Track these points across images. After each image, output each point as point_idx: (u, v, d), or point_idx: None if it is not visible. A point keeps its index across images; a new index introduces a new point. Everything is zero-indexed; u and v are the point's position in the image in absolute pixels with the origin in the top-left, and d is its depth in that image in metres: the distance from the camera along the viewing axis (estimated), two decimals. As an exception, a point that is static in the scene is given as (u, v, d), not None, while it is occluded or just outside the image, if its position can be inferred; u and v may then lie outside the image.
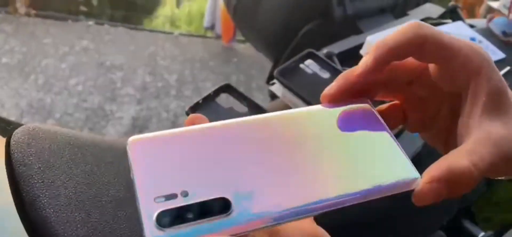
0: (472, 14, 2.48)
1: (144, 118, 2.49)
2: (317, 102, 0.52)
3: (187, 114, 0.55)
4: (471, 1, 2.46)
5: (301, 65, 0.58)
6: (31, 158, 0.33)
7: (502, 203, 0.70)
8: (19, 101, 2.53)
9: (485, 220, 0.68)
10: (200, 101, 0.55)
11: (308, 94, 0.53)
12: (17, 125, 0.40)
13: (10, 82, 2.70)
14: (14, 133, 0.34)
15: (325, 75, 0.58)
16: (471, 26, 0.79)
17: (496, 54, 0.72)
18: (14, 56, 3.01)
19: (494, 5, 0.78)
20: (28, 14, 3.62)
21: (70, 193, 0.34)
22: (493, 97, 0.24)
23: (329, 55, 0.75)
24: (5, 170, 0.34)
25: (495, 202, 0.67)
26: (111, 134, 2.35)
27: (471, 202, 0.63)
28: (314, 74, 0.57)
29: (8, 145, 0.33)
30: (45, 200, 0.31)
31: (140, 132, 2.36)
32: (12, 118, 2.38)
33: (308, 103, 0.52)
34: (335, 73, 0.58)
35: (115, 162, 0.40)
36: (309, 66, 0.59)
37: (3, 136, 0.46)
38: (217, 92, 0.58)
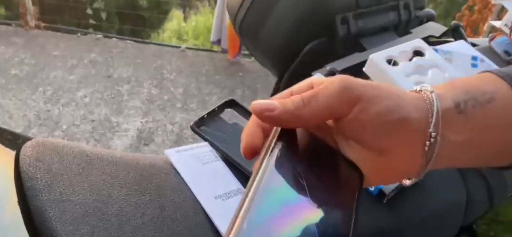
0: (476, 32, 2.49)
1: (149, 130, 2.50)
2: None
3: (192, 128, 0.56)
4: (475, 19, 2.47)
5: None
6: (39, 172, 0.34)
7: (506, 222, 0.70)
8: (27, 112, 2.56)
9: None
10: (205, 116, 0.56)
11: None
12: (26, 138, 0.41)
13: (19, 93, 2.74)
14: (23, 147, 0.35)
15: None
16: (473, 45, 0.79)
17: (498, 73, 0.72)
18: (23, 68, 3.05)
19: (496, 24, 0.79)
20: (38, 27, 3.68)
21: (76, 207, 0.35)
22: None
23: (333, 72, 0.76)
24: (13, 181, 0.35)
25: (499, 221, 0.67)
26: (117, 145, 2.36)
27: (474, 220, 0.63)
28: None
29: (17, 159, 0.34)
30: (52, 213, 0.32)
31: (146, 144, 2.38)
32: (20, 129, 2.41)
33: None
34: None
35: (120, 175, 0.41)
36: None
37: (12, 149, 0.48)
38: (221, 107, 0.59)
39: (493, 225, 0.64)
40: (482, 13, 2.55)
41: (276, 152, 0.25)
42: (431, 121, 0.28)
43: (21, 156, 0.34)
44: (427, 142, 0.28)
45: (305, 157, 0.28)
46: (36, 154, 0.35)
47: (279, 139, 0.27)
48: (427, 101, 0.29)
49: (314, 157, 0.28)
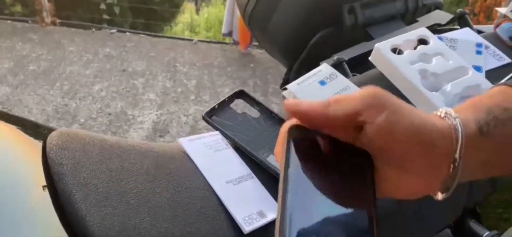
0: (489, 18, 2.46)
1: (164, 122, 2.55)
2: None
3: (204, 118, 0.59)
4: (488, 4, 2.45)
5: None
6: (64, 159, 0.37)
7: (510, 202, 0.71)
8: (45, 106, 2.63)
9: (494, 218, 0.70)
10: (216, 106, 0.59)
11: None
12: (50, 129, 0.44)
13: (37, 88, 2.81)
14: (49, 137, 0.38)
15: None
16: (479, 32, 0.80)
17: (503, 59, 0.73)
18: (40, 64, 3.13)
19: (502, 11, 0.80)
20: (54, 23, 3.75)
21: (98, 190, 0.38)
22: None
23: (340, 62, 0.78)
24: (37, 167, 0.39)
25: (500, 203, 0.69)
26: (133, 137, 2.42)
27: (478, 202, 0.65)
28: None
29: (44, 147, 0.38)
30: (78, 196, 0.35)
31: (161, 135, 2.42)
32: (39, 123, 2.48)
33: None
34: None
35: (137, 163, 0.44)
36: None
37: (39, 139, 0.52)
38: (231, 98, 0.62)
39: (495, 207, 0.66)
40: (496, -2, 2.52)
41: (294, 155, 0.28)
42: (456, 149, 0.29)
43: (48, 144, 0.37)
44: (452, 165, 0.29)
45: (321, 155, 0.30)
46: (61, 142, 0.38)
47: (296, 144, 0.28)
48: (452, 128, 0.29)
49: (329, 155, 0.30)
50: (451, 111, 0.30)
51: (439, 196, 0.31)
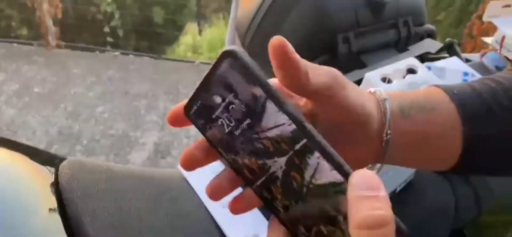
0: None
1: (166, 143, 2.59)
2: None
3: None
4: (485, 27, 2.49)
5: None
6: (74, 186, 0.41)
7: (497, 225, 0.74)
8: (49, 128, 2.67)
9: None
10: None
11: None
12: (62, 158, 0.48)
13: (41, 110, 2.86)
14: (61, 166, 0.42)
15: None
16: (467, 60, 0.84)
17: (488, 87, 0.77)
18: (45, 86, 3.19)
19: (488, 40, 0.84)
20: (59, 46, 3.83)
21: (104, 215, 0.41)
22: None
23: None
24: (44, 192, 0.42)
25: (487, 225, 0.72)
26: (135, 159, 2.45)
27: (464, 224, 0.68)
28: None
29: (56, 175, 0.41)
30: (86, 220, 0.39)
31: (163, 157, 2.45)
32: (43, 144, 2.52)
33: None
34: None
35: (139, 189, 0.47)
36: None
37: (44, 165, 0.55)
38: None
39: (481, 229, 0.69)
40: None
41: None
42: (386, 124, 0.32)
43: (60, 173, 0.41)
44: (384, 140, 0.32)
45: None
46: (71, 171, 0.42)
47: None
48: (381, 104, 0.32)
49: None
50: (380, 89, 0.34)
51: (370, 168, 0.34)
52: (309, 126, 0.25)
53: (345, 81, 0.32)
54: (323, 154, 0.24)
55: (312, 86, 0.29)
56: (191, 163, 0.31)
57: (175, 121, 0.30)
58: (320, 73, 0.30)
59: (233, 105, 0.26)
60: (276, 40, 0.28)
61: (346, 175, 0.23)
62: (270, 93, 0.25)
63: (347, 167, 0.24)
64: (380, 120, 0.32)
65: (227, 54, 0.25)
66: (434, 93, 0.35)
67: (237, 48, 0.26)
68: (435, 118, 0.34)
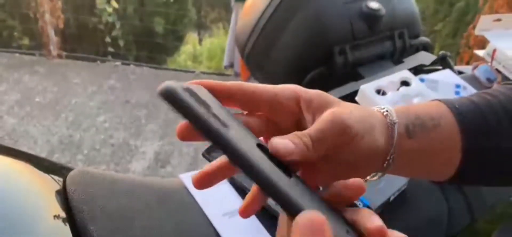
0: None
1: (166, 152, 2.61)
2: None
3: (203, 155, 0.64)
4: (481, 39, 2.52)
5: None
6: (81, 195, 0.43)
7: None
8: (50, 138, 2.69)
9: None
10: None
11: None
12: (66, 167, 0.50)
13: (42, 120, 2.88)
14: (68, 176, 0.44)
15: None
16: (460, 72, 0.87)
17: (480, 98, 0.79)
18: (46, 96, 3.21)
19: (479, 53, 0.86)
20: (60, 56, 3.86)
21: (109, 222, 0.43)
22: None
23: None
24: (49, 200, 0.44)
25: (483, 233, 0.73)
26: (136, 168, 2.47)
27: (457, 232, 0.70)
28: None
29: (64, 184, 0.43)
30: (92, 227, 0.41)
31: (162, 166, 2.46)
32: (44, 153, 2.54)
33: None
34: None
35: (142, 198, 0.50)
36: None
37: (54, 174, 0.57)
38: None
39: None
40: (488, 32, 2.60)
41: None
42: (391, 149, 0.33)
43: (67, 183, 0.43)
44: (386, 161, 0.33)
45: None
46: (78, 180, 0.44)
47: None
48: (390, 127, 0.33)
49: None
50: (392, 111, 0.34)
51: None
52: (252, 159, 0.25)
53: (354, 130, 0.31)
54: (268, 192, 0.24)
55: (321, 153, 0.30)
56: (203, 183, 0.32)
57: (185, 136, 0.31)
58: (325, 138, 0.30)
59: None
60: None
61: (293, 213, 0.22)
62: (205, 129, 0.25)
63: (296, 204, 0.23)
64: (386, 144, 0.33)
65: (161, 94, 0.26)
66: (437, 107, 0.37)
67: (172, 84, 0.26)
68: (438, 135, 0.35)
